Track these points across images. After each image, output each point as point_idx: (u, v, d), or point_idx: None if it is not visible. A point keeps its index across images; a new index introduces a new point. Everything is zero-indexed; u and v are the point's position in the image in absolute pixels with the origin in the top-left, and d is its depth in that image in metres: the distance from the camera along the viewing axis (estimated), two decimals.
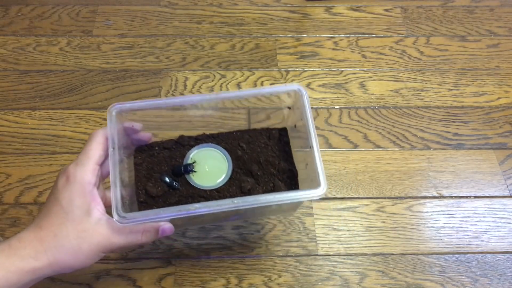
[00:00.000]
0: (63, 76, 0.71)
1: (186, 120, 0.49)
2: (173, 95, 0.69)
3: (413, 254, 0.57)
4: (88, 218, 0.37)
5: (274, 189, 0.46)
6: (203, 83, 0.71)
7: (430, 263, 0.57)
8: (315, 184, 0.41)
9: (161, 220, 0.41)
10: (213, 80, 0.71)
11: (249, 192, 0.46)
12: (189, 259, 0.56)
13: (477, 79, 0.73)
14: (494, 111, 0.70)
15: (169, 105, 0.44)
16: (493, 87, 0.72)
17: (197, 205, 0.39)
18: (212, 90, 0.70)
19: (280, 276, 0.55)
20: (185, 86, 0.70)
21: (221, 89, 0.70)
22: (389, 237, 0.59)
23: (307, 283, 0.55)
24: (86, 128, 0.66)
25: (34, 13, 0.78)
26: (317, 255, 0.57)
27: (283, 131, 0.51)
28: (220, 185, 0.47)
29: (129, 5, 0.80)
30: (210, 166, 0.48)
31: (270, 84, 0.71)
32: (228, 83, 0.71)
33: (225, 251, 0.57)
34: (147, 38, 0.76)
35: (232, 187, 0.47)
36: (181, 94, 0.70)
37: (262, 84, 0.71)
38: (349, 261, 0.57)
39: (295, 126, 0.49)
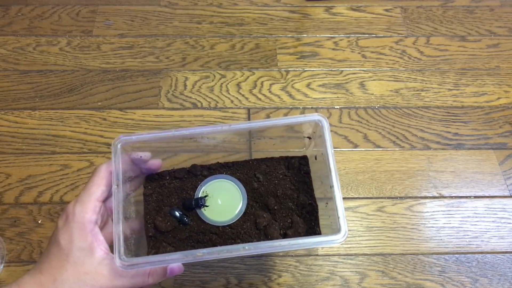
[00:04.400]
0: (63, 76, 0.71)
1: (194, 144, 0.47)
2: (173, 95, 0.69)
3: (413, 254, 0.57)
4: (90, 259, 0.36)
5: (291, 226, 0.43)
6: (203, 83, 0.71)
7: (430, 263, 0.57)
8: (335, 227, 0.38)
9: (165, 265, 0.39)
10: (213, 80, 0.71)
11: (264, 229, 0.43)
12: None
13: (477, 79, 0.73)
14: (494, 111, 0.70)
15: (177, 137, 0.41)
16: (493, 87, 0.72)
17: (204, 250, 0.36)
18: (212, 90, 0.70)
19: (280, 276, 0.55)
20: (185, 86, 0.70)
21: (221, 89, 0.70)
22: (389, 237, 0.59)
23: (307, 283, 0.55)
24: (86, 128, 0.66)
25: (34, 13, 0.78)
26: (317, 255, 0.57)
27: (303, 160, 0.48)
28: (234, 220, 0.44)
29: (129, 5, 0.80)
30: (223, 200, 0.45)
31: (271, 84, 0.71)
32: (228, 83, 0.71)
33: None
34: (147, 38, 0.76)
35: (246, 223, 0.44)
36: (181, 94, 0.70)
37: (262, 84, 0.71)
38: (349, 261, 0.57)
39: (315, 158, 0.46)
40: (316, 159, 0.46)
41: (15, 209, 0.59)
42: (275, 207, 0.45)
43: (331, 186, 0.39)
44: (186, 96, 0.69)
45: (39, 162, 0.62)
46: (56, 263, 0.36)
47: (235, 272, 0.55)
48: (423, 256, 0.57)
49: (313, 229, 0.44)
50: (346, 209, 0.60)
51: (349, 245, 0.58)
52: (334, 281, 0.55)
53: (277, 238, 0.42)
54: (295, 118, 0.42)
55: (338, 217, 0.38)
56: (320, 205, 0.45)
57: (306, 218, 0.44)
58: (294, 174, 0.47)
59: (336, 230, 0.38)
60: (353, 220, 0.60)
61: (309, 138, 0.47)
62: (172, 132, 0.41)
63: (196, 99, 0.69)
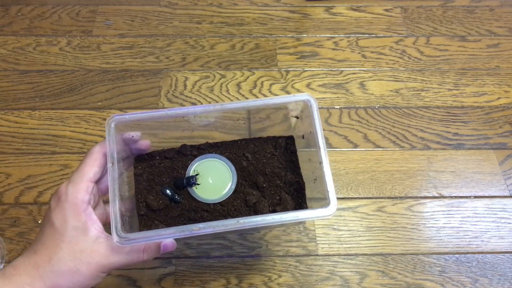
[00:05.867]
0: (63, 76, 0.71)
1: (187, 128, 0.47)
2: (173, 95, 0.69)
3: (413, 254, 0.57)
4: (85, 238, 0.36)
5: (280, 202, 0.45)
6: (203, 83, 0.71)
7: (430, 263, 0.57)
8: (325, 202, 0.39)
9: (163, 239, 0.39)
10: (213, 80, 0.71)
11: (254, 206, 0.44)
12: (189, 259, 0.56)
13: (477, 79, 0.73)
14: (494, 111, 0.70)
15: (171, 116, 0.42)
16: (493, 87, 0.72)
17: (200, 225, 0.37)
18: (212, 90, 0.70)
19: (280, 276, 0.55)
20: (185, 86, 0.70)
21: (221, 90, 0.70)
22: (389, 237, 0.59)
23: (307, 283, 0.55)
24: (86, 128, 0.66)
25: (34, 13, 0.78)
26: (317, 255, 0.57)
27: (289, 140, 0.49)
28: (224, 198, 0.45)
29: (129, 5, 0.80)
30: (214, 178, 0.46)
31: (271, 84, 0.71)
32: (228, 83, 0.71)
33: (225, 251, 0.57)
34: (147, 38, 0.76)
35: (236, 200, 0.45)
36: (181, 94, 0.70)
37: (262, 84, 0.71)
38: (349, 261, 0.57)
39: (303, 136, 0.47)
40: (303, 138, 0.47)
41: (15, 209, 0.59)
42: (264, 185, 0.46)
43: (320, 162, 0.41)
44: (186, 96, 0.69)
45: (39, 162, 0.62)
46: (51, 243, 0.36)
47: (235, 272, 0.55)
48: (423, 256, 0.57)
49: (300, 205, 0.45)
50: (346, 209, 0.60)
51: (349, 245, 0.58)
52: (334, 281, 0.55)
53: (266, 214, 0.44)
54: (285, 98, 0.43)
55: (328, 191, 0.39)
56: (309, 182, 0.46)
57: (294, 195, 0.46)
58: (281, 153, 0.48)
59: (326, 204, 0.39)
60: (353, 220, 0.60)
61: (297, 117, 0.48)
62: (165, 111, 0.41)
63: (196, 99, 0.69)
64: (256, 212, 0.44)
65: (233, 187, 0.46)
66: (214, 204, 0.45)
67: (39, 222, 0.58)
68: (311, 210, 0.40)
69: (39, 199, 0.60)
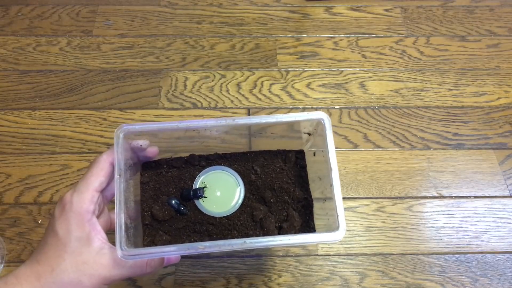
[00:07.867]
0: (63, 76, 0.71)
1: (196, 137, 0.46)
2: (173, 95, 0.69)
3: (413, 254, 0.57)
4: (88, 249, 0.35)
5: (287, 219, 0.44)
6: (203, 83, 0.71)
7: (430, 263, 0.57)
8: (333, 225, 0.38)
9: (168, 255, 0.39)
10: (213, 80, 0.71)
11: (260, 221, 0.44)
12: (189, 259, 0.56)
13: (477, 79, 0.73)
14: (494, 111, 0.70)
15: (181, 128, 0.41)
16: (493, 87, 0.72)
17: (206, 243, 0.37)
18: (212, 90, 0.70)
19: (280, 276, 0.55)
20: (185, 86, 0.70)
21: (221, 89, 0.70)
22: (389, 237, 0.59)
23: (307, 283, 0.55)
24: (86, 128, 0.66)
25: (34, 13, 0.78)
26: (317, 255, 0.57)
27: (299, 154, 0.48)
28: (231, 212, 0.44)
29: (129, 5, 0.80)
30: (221, 191, 0.45)
31: (271, 84, 0.71)
32: (228, 83, 0.71)
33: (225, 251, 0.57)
34: (147, 38, 0.76)
35: (243, 215, 0.44)
36: (181, 94, 0.70)
37: (262, 84, 0.71)
38: (349, 261, 0.57)
39: (314, 154, 0.46)
40: (314, 155, 0.46)
41: (15, 209, 0.59)
42: (272, 200, 0.45)
43: (331, 185, 0.39)
44: (186, 96, 0.69)
45: (39, 162, 0.62)
46: (54, 253, 0.35)
47: (235, 272, 0.55)
48: (423, 256, 0.57)
49: (307, 223, 0.44)
50: (346, 209, 0.60)
51: (349, 245, 0.58)
52: (334, 281, 0.55)
53: (272, 231, 0.43)
54: (299, 115, 0.42)
55: (338, 216, 0.38)
56: (318, 202, 0.45)
57: (301, 212, 0.45)
58: (290, 168, 0.47)
59: (335, 228, 0.38)
60: (353, 220, 0.60)
61: (309, 134, 0.47)
62: (175, 124, 0.40)
63: (196, 99, 0.69)
64: (263, 228, 0.43)
65: (240, 201, 0.45)
66: (220, 217, 0.44)
67: (39, 222, 0.58)
68: (320, 234, 0.39)
69: (39, 199, 0.60)
